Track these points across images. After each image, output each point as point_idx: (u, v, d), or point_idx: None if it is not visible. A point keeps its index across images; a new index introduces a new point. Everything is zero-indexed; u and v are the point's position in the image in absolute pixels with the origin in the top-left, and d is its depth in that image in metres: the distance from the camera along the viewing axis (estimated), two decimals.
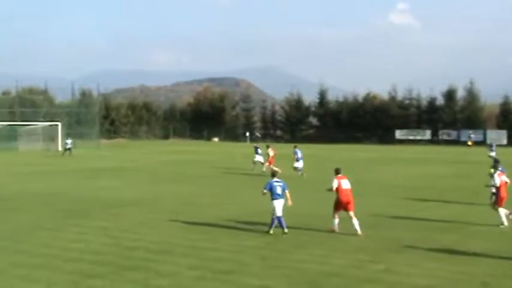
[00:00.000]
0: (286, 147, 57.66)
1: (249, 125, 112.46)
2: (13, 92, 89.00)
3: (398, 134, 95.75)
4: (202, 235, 17.44)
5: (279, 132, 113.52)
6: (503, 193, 19.32)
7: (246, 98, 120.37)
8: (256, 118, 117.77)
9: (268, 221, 17.90)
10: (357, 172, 39.20)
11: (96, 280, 12.71)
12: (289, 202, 17.96)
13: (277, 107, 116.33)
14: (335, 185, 17.85)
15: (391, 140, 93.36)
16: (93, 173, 39.37)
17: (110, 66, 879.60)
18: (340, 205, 17.83)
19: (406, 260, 14.42)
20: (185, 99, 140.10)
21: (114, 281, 12.61)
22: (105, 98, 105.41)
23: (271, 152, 38.97)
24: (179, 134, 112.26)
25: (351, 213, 17.85)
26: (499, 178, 19.51)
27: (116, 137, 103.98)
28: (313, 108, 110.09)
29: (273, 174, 18.42)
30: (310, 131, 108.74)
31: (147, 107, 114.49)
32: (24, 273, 13.23)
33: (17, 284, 12.53)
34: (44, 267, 13.71)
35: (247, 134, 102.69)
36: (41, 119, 79.78)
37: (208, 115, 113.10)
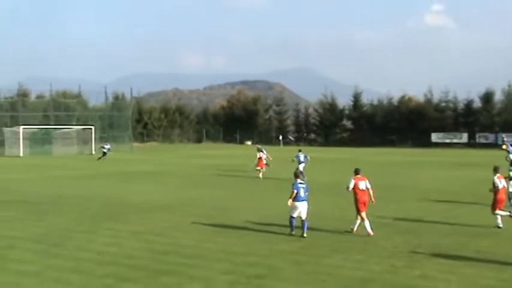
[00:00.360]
0: (319, 151, 57.52)
1: (282, 129, 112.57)
2: (47, 96, 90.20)
3: (435, 137, 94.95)
4: (234, 239, 17.47)
5: (312, 136, 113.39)
6: (501, 195, 19.54)
7: (279, 101, 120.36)
8: (290, 121, 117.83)
9: (299, 225, 17.92)
10: (391, 176, 38.96)
11: (129, 284, 12.80)
12: None
13: (311, 110, 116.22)
14: (351, 185, 18.08)
15: (427, 143, 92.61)
16: (126, 177, 39.72)
17: (143, 70, 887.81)
18: (360, 205, 18.03)
19: (443, 266, 14.24)
20: (218, 102, 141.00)
21: (148, 286, 12.68)
22: (138, 101, 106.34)
23: (262, 155, 39.56)
24: (212, 137, 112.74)
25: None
26: (499, 181, 19.63)
27: (148, 141, 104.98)
28: (347, 111, 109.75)
29: (296, 175, 18.45)
30: (344, 135, 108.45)
31: (180, 110, 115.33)
32: (58, 276, 13.39)
33: (51, 287, 12.70)
34: (77, 271, 13.85)
35: (281, 137, 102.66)
36: (74, 123, 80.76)
37: (241, 118, 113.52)
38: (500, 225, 19.20)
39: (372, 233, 17.72)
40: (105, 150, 59.64)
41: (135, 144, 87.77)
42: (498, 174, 19.89)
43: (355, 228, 18.18)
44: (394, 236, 17.82)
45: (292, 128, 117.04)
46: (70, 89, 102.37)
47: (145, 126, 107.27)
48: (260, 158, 39.35)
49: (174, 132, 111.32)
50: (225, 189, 31.93)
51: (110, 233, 18.61)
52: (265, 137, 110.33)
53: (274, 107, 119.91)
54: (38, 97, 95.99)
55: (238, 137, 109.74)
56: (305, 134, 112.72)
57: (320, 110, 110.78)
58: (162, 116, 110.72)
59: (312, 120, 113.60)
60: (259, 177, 37.82)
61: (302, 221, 17.79)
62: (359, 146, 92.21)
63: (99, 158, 58.41)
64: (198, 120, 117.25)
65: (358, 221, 18.13)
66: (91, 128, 76.68)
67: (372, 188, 18.41)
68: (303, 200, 17.82)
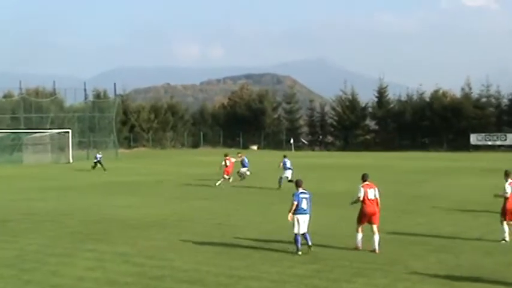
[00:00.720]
0: (338, 157, 57.31)
1: (293, 130, 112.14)
2: (16, 95, 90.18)
3: (474, 138, 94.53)
4: (238, 261, 17.54)
5: (329, 138, 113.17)
6: (511, 205, 19.87)
7: (290, 98, 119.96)
8: (302, 122, 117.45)
9: (315, 242, 18.07)
10: (420, 184, 38.96)
11: None
12: None
13: (327, 108, 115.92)
14: (361, 194, 18.32)
15: (465, 146, 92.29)
16: (111, 189, 39.83)
17: (129, 63, 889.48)
18: (364, 217, 18.34)
19: None
20: (217, 99, 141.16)
21: None
22: (124, 99, 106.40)
23: (227, 162, 40.83)
24: (210, 141, 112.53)
25: (375, 227, 18.40)
26: (510, 187, 20.00)
27: (136, 146, 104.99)
28: (370, 109, 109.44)
29: (298, 184, 18.65)
30: (367, 137, 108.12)
31: (172, 109, 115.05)
32: None
33: None
34: None
35: (292, 140, 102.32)
36: (49, 126, 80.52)
37: (245, 119, 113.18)
38: (507, 239, 19.69)
39: (361, 247, 18.24)
40: (95, 161, 59.04)
41: (121, 150, 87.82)
42: (510, 180, 20.18)
43: (376, 249, 18.25)
44: (425, 256, 17.89)
45: (305, 129, 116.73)
46: (43, 86, 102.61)
47: (132, 129, 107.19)
48: (226, 166, 40.15)
49: (165, 135, 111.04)
50: (226, 202, 32.05)
51: (92, 255, 18.69)
52: (274, 140, 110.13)
53: (284, 104, 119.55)
54: (5, 96, 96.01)
55: (241, 140, 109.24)
56: (320, 137, 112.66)
57: (338, 108, 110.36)
58: (152, 116, 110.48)
59: (329, 120, 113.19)
60: (218, 184, 39.57)
61: (302, 234, 18.04)
62: (385, 149, 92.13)
63: (103, 169, 57.43)
64: (194, 121, 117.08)
65: (377, 236, 18.27)
66: (68, 132, 76.38)
67: (379, 197, 18.65)
68: (304, 213, 18.01)
